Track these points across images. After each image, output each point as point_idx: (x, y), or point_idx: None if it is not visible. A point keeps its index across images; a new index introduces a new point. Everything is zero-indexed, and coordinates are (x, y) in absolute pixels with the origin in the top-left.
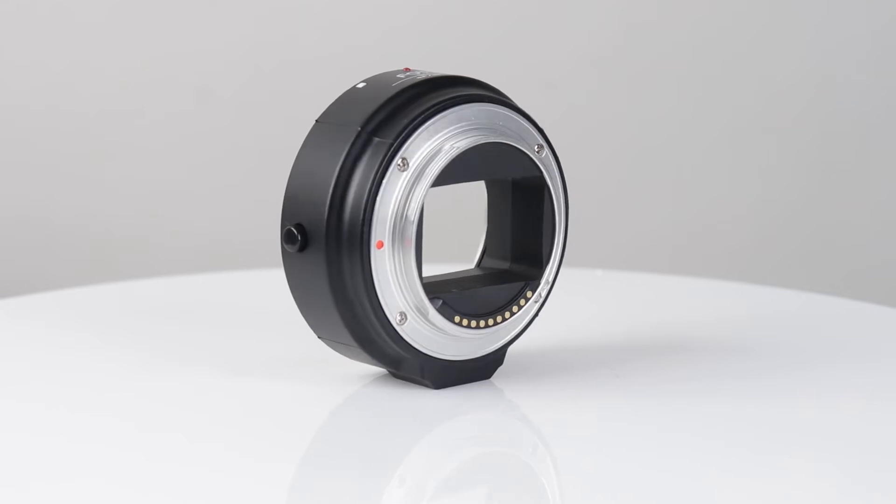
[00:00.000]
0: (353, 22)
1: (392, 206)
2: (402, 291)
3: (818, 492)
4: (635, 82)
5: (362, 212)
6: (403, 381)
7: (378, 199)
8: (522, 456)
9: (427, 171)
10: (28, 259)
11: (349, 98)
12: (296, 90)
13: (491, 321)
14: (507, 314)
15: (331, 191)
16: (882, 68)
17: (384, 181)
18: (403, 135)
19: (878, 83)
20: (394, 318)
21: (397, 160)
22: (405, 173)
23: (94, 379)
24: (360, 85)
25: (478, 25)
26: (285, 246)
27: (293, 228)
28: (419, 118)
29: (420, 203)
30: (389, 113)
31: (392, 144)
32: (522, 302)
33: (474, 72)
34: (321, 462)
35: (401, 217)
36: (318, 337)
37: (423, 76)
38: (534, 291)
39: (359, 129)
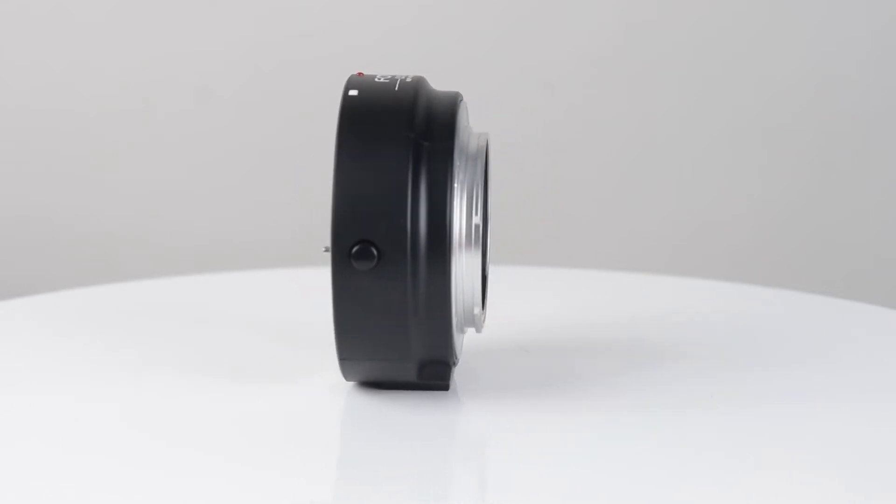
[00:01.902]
0: (352, 22)
1: (459, 209)
2: (466, 294)
3: (815, 497)
4: (635, 82)
5: (446, 219)
6: (391, 389)
7: (455, 204)
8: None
9: (475, 170)
10: (28, 259)
11: (362, 106)
12: (296, 90)
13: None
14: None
15: (409, 202)
16: (882, 68)
17: (455, 185)
18: (452, 138)
19: (878, 83)
20: (455, 323)
21: (457, 163)
22: (459, 175)
23: (93, 381)
24: (353, 92)
25: (477, 25)
26: (355, 264)
27: (366, 245)
28: (452, 120)
29: (482, 204)
30: (423, 117)
31: (450, 148)
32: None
33: (474, 72)
34: (347, 478)
35: (468, 220)
36: (345, 358)
37: (410, 78)
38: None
39: (411, 135)
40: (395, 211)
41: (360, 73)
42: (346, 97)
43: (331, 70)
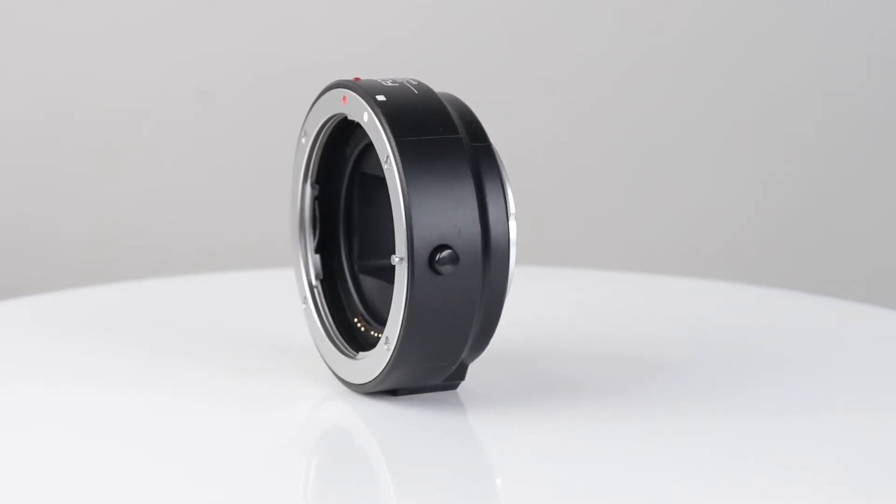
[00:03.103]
0: (354, 30)
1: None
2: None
3: (815, 497)
4: (638, 90)
5: (507, 216)
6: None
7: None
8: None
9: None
10: (29, 262)
11: (401, 111)
12: (295, 97)
13: None
14: None
15: (476, 204)
16: (885, 73)
17: (506, 182)
18: (487, 137)
19: (881, 88)
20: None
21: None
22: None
23: (92, 381)
24: (381, 98)
25: (479, 32)
26: (441, 269)
27: (447, 249)
28: (477, 119)
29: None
30: (457, 119)
31: (490, 146)
32: None
33: (478, 78)
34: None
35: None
36: (398, 367)
37: (416, 81)
38: None
39: (461, 137)
40: (467, 212)
41: (356, 78)
42: (377, 102)
43: (333, 75)
